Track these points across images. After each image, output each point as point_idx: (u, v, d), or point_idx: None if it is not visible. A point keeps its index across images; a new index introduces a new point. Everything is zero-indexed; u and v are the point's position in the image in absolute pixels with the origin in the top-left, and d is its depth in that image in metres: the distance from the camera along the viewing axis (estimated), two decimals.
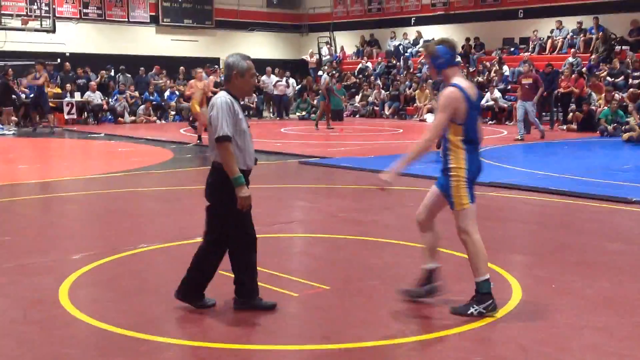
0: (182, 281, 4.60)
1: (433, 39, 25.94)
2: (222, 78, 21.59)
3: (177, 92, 22.95)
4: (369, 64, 26.66)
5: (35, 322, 4.37)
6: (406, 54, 26.27)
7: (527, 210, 8.26)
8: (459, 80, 4.44)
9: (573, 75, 19.41)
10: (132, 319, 4.39)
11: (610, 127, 16.46)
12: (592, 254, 6.06)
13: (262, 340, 4.12)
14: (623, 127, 15.93)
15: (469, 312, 4.36)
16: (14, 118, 18.70)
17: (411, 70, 25.14)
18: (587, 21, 22.01)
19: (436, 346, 3.99)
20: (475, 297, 4.39)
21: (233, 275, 4.61)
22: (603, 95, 18.21)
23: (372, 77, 25.59)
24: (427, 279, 4.63)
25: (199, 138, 14.86)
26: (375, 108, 24.09)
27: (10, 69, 18.77)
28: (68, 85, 21.32)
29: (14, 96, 18.98)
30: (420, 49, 26.11)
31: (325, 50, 28.69)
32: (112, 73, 23.16)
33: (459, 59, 15.56)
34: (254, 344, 4.07)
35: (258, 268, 5.40)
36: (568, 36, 22.33)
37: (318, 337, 4.12)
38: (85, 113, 21.05)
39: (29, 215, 8.03)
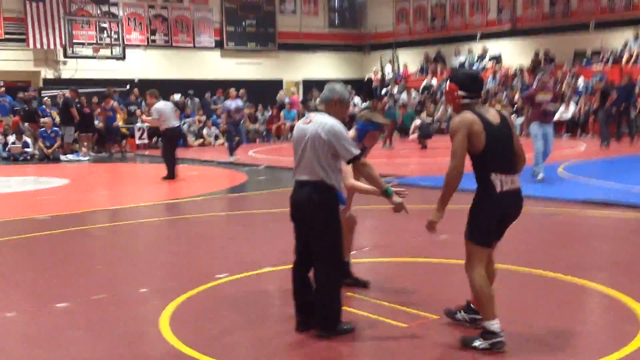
0: (321, 316, 4.38)
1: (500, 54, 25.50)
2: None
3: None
4: (434, 81, 26.30)
5: (143, 358, 4.23)
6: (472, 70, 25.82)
7: (635, 229, 7.77)
8: None
9: None
10: (243, 354, 4.21)
11: None
12: None
13: None
14: None
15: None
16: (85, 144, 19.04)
17: None
18: None
19: None
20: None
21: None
22: None
23: (438, 95, 25.22)
24: None
25: None
26: (442, 126, 23.65)
27: (84, 97, 19.15)
28: (138, 110, 21.68)
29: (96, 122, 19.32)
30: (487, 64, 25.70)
31: (388, 68, 28.49)
32: (177, 98, 23.44)
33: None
34: None
35: (358, 295, 5.21)
36: None
37: None
38: (156, 137, 21.31)
39: (116, 244, 7.99)
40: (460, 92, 4.17)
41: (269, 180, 13.61)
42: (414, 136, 19.48)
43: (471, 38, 26.63)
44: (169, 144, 12.88)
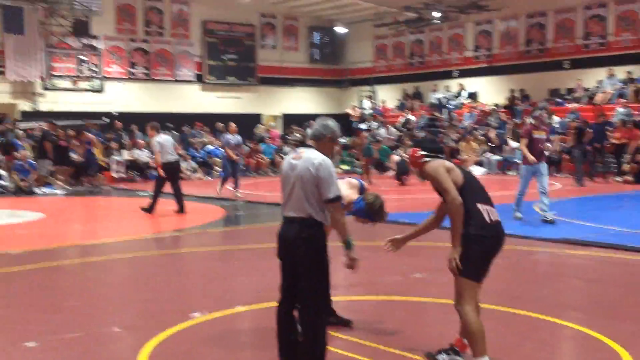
0: (306, 357, 4.26)
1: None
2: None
3: (220, 148, 23.12)
4: (412, 117, 26.52)
5: None
6: (449, 106, 26.12)
7: (616, 270, 7.80)
8: None
9: (628, 126, 18.90)
10: None
11: None
12: None
13: None
14: None
15: None
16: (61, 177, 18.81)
17: (454, 122, 24.96)
18: (637, 71, 21.64)
19: None
20: None
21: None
22: None
23: (416, 130, 25.43)
24: None
25: None
26: None
27: (61, 130, 19.01)
28: (114, 144, 21.57)
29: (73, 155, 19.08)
30: (463, 101, 26.02)
31: (366, 104, 28.74)
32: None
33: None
34: None
35: (341, 335, 5.15)
36: (617, 86, 21.94)
37: None
38: (132, 171, 21.19)
39: (90, 280, 7.85)
40: (422, 152, 4.50)
41: (247, 215, 13.55)
42: (391, 173, 19.57)
43: (448, 75, 27.01)
44: (163, 178, 12.74)
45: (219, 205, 14.28)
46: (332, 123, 4.52)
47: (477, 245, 4.21)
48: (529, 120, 11.67)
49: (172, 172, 12.83)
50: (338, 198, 4.29)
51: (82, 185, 18.99)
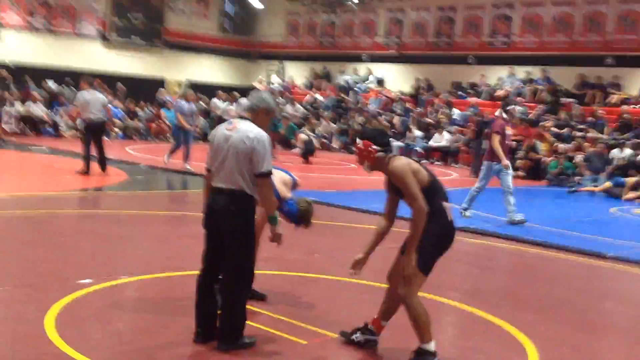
0: (225, 329, 4.25)
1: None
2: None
3: (120, 109, 22.37)
4: (319, 96, 26.65)
5: None
6: (356, 89, 26.42)
7: (510, 260, 8.18)
8: None
9: (524, 124, 19.80)
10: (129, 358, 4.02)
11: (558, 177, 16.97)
12: (593, 314, 6.00)
13: None
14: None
15: None
16: None
17: (359, 105, 25.29)
18: (536, 72, 22.69)
19: None
20: None
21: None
22: (547, 145, 18.77)
23: (322, 110, 25.58)
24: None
25: None
26: (324, 141, 23.99)
27: None
28: (6, 93, 20.38)
29: None
30: (370, 86, 26.41)
31: (274, 79, 28.60)
32: (53, 86, 22.32)
33: None
34: None
35: (256, 309, 5.14)
36: (516, 85, 22.92)
37: None
38: (23, 124, 20.11)
39: None
40: (374, 147, 4.27)
41: (149, 180, 13.23)
42: (297, 150, 19.61)
43: (358, 58, 27.24)
44: (86, 136, 12.57)
45: (120, 168, 13.82)
46: (267, 96, 4.50)
47: (437, 242, 4.23)
48: (498, 113, 11.01)
49: (94, 131, 12.52)
50: (269, 173, 4.25)
51: None
